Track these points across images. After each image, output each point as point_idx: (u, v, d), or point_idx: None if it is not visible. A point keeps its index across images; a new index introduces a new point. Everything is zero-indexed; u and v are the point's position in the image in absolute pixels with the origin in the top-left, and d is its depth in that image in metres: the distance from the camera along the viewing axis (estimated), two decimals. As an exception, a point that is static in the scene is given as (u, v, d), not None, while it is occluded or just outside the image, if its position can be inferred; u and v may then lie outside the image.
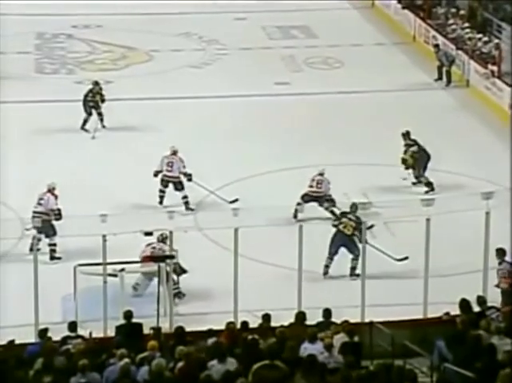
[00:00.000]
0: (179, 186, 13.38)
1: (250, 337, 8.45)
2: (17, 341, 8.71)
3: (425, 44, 20.18)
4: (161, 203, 13.42)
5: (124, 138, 15.73)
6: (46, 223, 11.91)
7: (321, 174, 13.13)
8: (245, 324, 9.12)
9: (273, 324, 9.17)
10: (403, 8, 21.58)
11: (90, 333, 9.26)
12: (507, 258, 10.52)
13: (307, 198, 13.02)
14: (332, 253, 11.56)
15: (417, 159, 13.88)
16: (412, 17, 21.07)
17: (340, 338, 8.51)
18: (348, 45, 20.52)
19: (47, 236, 11.96)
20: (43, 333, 8.97)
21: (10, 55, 19.45)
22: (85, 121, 16.07)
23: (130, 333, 9.11)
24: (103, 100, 16.12)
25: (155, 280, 10.69)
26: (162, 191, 13.47)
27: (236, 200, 13.27)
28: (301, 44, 20.88)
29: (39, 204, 12.13)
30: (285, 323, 9.14)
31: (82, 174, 14.26)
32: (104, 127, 16.10)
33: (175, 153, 13.48)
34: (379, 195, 13.51)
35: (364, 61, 19.36)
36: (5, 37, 20.10)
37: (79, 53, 20.05)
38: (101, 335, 9.68)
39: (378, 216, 12.52)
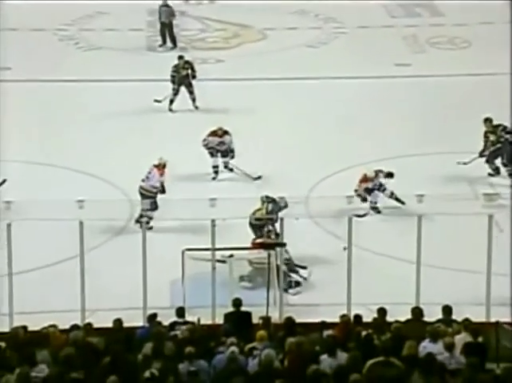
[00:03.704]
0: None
1: (364, 332, 8.46)
2: (125, 324, 9.00)
3: None
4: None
5: (231, 119, 15.83)
6: (147, 199, 12.38)
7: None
8: (358, 317, 9.13)
9: (388, 319, 9.14)
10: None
11: (198, 320, 9.46)
12: None
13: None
14: None
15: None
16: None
17: (462, 338, 8.41)
18: (477, 24, 20.05)
19: (148, 209, 12.40)
20: (152, 318, 9.23)
21: (122, 32, 20.01)
22: (171, 101, 16.10)
23: (238, 321, 9.27)
24: (193, 77, 16.13)
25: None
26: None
27: (259, 177, 13.53)
28: (425, 22, 20.53)
29: (145, 179, 12.57)
30: (401, 319, 9.10)
31: (190, 155, 14.52)
32: (196, 108, 16.13)
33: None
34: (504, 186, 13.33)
35: (494, 41, 18.84)
36: (118, 14, 20.69)
37: (191, 30, 20.40)
38: (209, 322, 9.89)
39: (505, 208, 12.28)
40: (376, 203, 12.92)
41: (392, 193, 12.90)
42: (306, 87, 17.28)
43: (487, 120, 13.92)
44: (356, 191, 12.84)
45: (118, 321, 8.94)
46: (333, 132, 15.43)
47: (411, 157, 14.51)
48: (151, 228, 12.00)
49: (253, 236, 11.75)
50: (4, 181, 12.44)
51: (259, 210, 12.01)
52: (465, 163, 13.80)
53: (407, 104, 16.49)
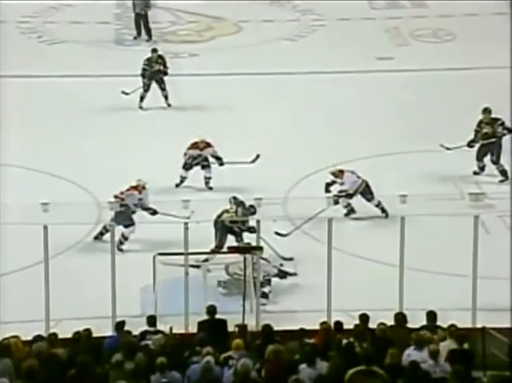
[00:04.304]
0: None
1: (345, 340, 8.47)
2: (93, 334, 8.94)
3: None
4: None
5: (206, 117, 15.83)
6: (121, 214, 12.13)
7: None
8: (339, 324, 9.14)
9: (370, 325, 9.13)
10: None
11: (170, 329, 9.42)
12: None
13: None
14: None
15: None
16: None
17: (447, 345, 8.44)
18: (462, 15, 20.17)
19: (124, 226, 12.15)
20: (120, 326, 9.19)
21: (88, 25, 19.93)
22: (142, 98, 16.00)
23: (213, 329, 9.24)
24: (165, 73, 16.04)
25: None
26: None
27: (258, 157, 13.38)
28: (408, 14, 20.62)
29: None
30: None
31: (162, 156, 14.44)
32: (169, 105, 16.07)
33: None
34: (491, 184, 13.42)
35: (479, 34, 18.99)
36: (83, 6, 20.59)
37: (161, 23, 20.35)
38: (182, 331, 9.84)
39: (491, 209, 12.36)
40: (349, 204, 12.86)
41: (379, 203, 12.81)
42: (284, 82, 17.28)
43: (486, 110, 13.77)
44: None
45: (87, 331, 8.86)
46: (313, 129, 15.44)
47: (393, 155, 14.56)
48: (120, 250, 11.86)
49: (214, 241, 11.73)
50: None
51: (226, 212, 11.98)
52: (448, 149, 13.78)
53: (389, 100, 16.52)
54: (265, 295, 11.02)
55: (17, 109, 16.10)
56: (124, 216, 12.15)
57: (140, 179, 12.39)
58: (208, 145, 13.64)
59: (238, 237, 11.88)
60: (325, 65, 17.86)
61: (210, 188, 13.52)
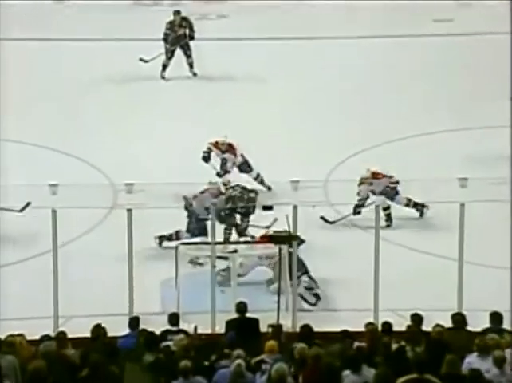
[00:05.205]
0: None
1: (395, 344, 8.43)
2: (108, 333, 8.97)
3: None
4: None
5: (237, 88, 15.85)
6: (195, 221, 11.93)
7: None
8: (387, 325, 9.09)
9: (424, 328, 9.07)
10: None
11: (195, 328, 9.44)
12: None
13: None
14: None
15: None
16: None
17: (514, 351, 8.38)
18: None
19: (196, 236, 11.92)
20: (134, 322, 9.24)
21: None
22: (164, 67, 16.04)
23: (244, 330, 9.26)
24: (191, 37, 16.04)
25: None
26: None
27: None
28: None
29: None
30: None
31: (185, 131, 14.43)
32: (194, 74, 16.07)
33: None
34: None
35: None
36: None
37: (184, -22, 20.36)
38: (208, 331, 9.87)
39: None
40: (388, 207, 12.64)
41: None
42: (327, 48, 17.23)
43: None
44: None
45: (102, 329, 8.89)
46: (358, 103, 15.40)
47: (448, 133, 14.46)
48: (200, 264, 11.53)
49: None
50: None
51: (231, 188, 12.04)
52: None
53: (445, 68, 16.42)
54: (317, 297, 10.95)
55: (27, 77, 16.10)
56: (197, 225, 11.87)
57: (216, 183, 12.16)
58: (231, 148, 13.12)
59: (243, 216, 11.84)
60: (375, 28, 17.76)
61: (269, 188, 13.12)
